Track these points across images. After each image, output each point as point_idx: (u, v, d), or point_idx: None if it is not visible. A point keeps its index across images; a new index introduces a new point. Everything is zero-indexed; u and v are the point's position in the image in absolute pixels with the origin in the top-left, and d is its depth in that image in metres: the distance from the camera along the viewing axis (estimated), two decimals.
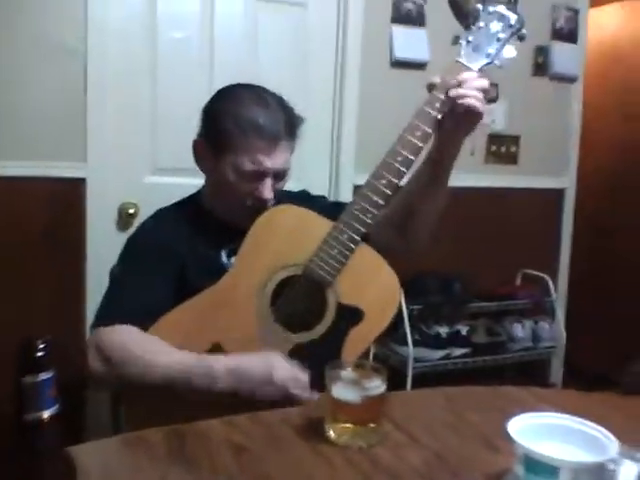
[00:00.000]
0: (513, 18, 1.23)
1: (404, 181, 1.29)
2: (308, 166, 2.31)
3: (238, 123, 1.28)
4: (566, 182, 3.01)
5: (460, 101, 1.17)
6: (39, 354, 0.56)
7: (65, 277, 2.16)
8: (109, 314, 1.24)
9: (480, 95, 1.18)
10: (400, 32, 2.55)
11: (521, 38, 1.26)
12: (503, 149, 2.85)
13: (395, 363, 2.44)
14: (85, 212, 2.17)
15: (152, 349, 1.18)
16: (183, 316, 1.22)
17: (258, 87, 1.36)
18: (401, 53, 2.56)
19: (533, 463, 0.75)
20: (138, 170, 2.26)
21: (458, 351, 2.54)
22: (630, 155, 3.41)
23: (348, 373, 1.00)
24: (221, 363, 1.15)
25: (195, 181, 2.19)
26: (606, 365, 2.77)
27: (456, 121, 1.21)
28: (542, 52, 2.83)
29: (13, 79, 2.02)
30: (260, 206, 1.31)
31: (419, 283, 2.48)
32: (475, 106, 1.18)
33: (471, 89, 1.18)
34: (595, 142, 3.35)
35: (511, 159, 2.89)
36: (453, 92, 1.18)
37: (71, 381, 1.96)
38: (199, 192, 1.45)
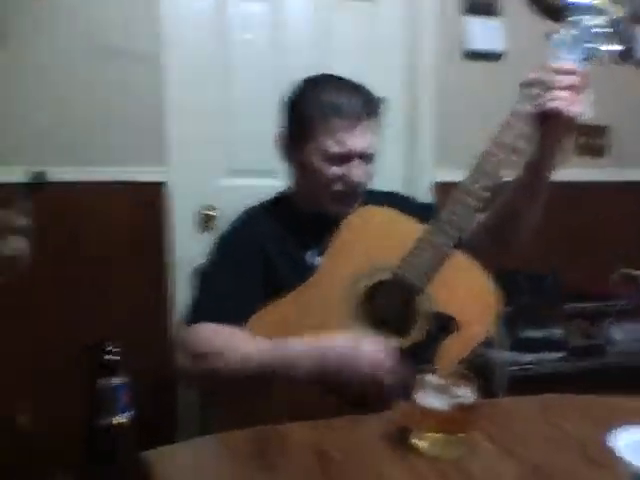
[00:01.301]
0: (614, 11, 1.15)
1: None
2: (383, 162, 2.27)
3: (318, 107, 1.27)
4: None
5: (547, 104, 1.11)
6: (113, 357, 0.54)
7: (148, 280, 2.20)
8: (198, 312, 1.24)
9: (568, 94, 1.10)
10: (474, 23, 2.45)
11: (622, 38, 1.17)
12: (591, 141, 2.70)
13: (479, 369, 2.34)
14: (166, 215, 2.20)
15: (237, 342, 1.16)
16: (272, 317, 1.20)
17: (333, 75, 1.35)
18: (476, 44, 2.46)
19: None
20: (214, 172, 2.28)
21: (552, 355, 2.41)
22: None
23: (436, 379, 0.95)
24: (304, 341, 1.12)
25: (270, 182, 2.21)
26: None
27: (547, 122, 1.14)
28: (628, 39, 2.65)
29: (93, 87, 2.08)
30: (352, 191, 1.29)
31: (508, 282, 2.36)
32: (559, 109, 1.10)
33: (560, 89, 1.10)
34: None
35: (599, 151, 2.73)
36: (539, 93, 1.12)
37: (156, 386, 2.04)
38: (286, 191, 1.44)
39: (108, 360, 0.54)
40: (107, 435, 0.54)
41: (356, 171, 1.27)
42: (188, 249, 2.21)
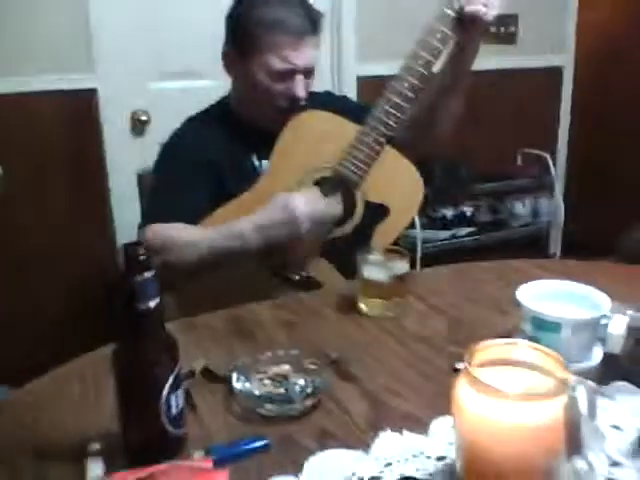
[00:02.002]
0: None
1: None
2: None
3: (263, 23, 1.32)
4: (564, 60, 3.04)
5: (466, 8, 1.25)
6: (143, 257, 0.69)
7: (88, 186, 2.27)
8: (150, 217, 1.34)
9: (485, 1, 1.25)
10: None
11: None
12: (502, 29, 2.86)
13: (405, 245, 2.61)
14: (98, 122, 2.24)
15: (187, 231, 1.29)
16: (223, 218, 1.32)
17: None
18: None
19: (539, 322, 0.91)
20: (145, 76, 2.31)
21: (463, 230, 2.70)
22: (632, 29, 3.39)
23: (376, 256, 1.15)
24: (242, 223, 1.25)
25: (199, 83, 2.28)
26: (606, 237, 2.95)
27: (469, 23, 1.28)
28: None
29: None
30: (294, 106, 1.38)
31: (424, 169, 2.59)
32: (477, 11, 1.25)
33: None
34: (593, 18, 3.33)
35: (510, 39, 2.90)
36: (460, 3, 1.26)
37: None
38: (226, 99, 1.51)
39: (143, 258, 0.69)
40: (147, 315, 0.70)
41: (299, 87, 1.36)
42: (122, 154, 2.28)
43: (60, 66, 2.13)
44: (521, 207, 2.87)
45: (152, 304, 0.70)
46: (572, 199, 3.15)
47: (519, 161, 3.00)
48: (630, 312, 0.91)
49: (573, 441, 0.60)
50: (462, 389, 0.63)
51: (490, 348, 0.68)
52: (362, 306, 1.15)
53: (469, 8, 1.26)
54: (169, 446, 0.74)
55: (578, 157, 3.23)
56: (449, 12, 1.28)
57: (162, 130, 2.05)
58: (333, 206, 1.29)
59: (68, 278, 2.28)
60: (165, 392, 0.71)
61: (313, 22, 1.36)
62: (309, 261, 1.35)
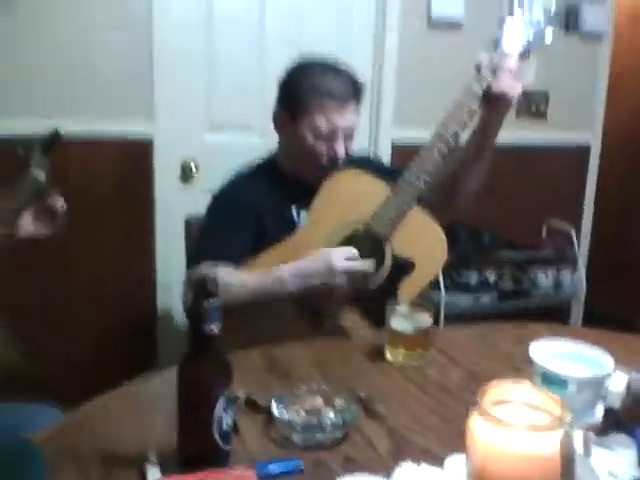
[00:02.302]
0: (553, 7, 1.44)
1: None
2: None
3: (313, 89, 1.50)
4: (591, 138, 3.17)
5: (493, 87, 1.40)
6: (210, 286, 0.83)
7: (135, 228, 2.43)
8: (201, 257, 1.47)
9: (510, 81, 1.41)
10: None
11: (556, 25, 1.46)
12: (533, 106, 3.01)
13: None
14: (152, 168, 2.42)
15: (236, 274, 1.42)
16: (264, 263, 1.47)
17: (326, 59, 1.58)
18: (438, 12, 2.71)
19: (548, 377, 1.01)
20: (197, 127, 2.50)
21: (486, 296, 2.79)
22: None
23: (403, 309, 1.27)
24: (284, 269, 1.39)
25: (248, 137, 2.46)
26: (626, 313, 3.01)
27: (493, 102, 1.43)
28: (572, 10, 2.94)
29: (85, 44, 2.26)
30: (334, 164, 1.53)
31: (450, 234, 2.71)
32: (504, 91, 1.40)
33: (503, 74, 1.40)
34: (623, 100, 3.50)
35: (540, 115, 3.04)
36: (485, 81, 1.41)
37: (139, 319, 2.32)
38: (274, 156, 1.67)
39: (210, 288, 0.82)
40: (211, 338, 0.83)
41: (340, 147, 1.52)
42: (171, 200, 2.46)
43: (121, 113, 2.32)
44: (544, 278, 2.96)
45: (215, 328, 0.83)
46: (595, 274, 3.23)
47: (544, 233, 3.11)
48: (631, 373, 1.01)
49: (568, 473, 0.70)
50: (475, 421, 0.74)
51: (500, 388, 0.79)
52: (388, 354, 1.26)
53: (496, 88, 1.41)
54: (218, 458, 0.86)
55: (602, 233, 3.33)
56: (477, 89, 1.43)
57: (210, 180, 2.24)
58: (367, 265, 1.41)
59: (111, 314, 2.43)
60: (218, 409, 0.83)
61: (356, 90, 1.54)
62: (340, 310, 1.47)
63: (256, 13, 2.50)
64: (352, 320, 1.48)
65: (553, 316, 3.08)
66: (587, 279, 3.11)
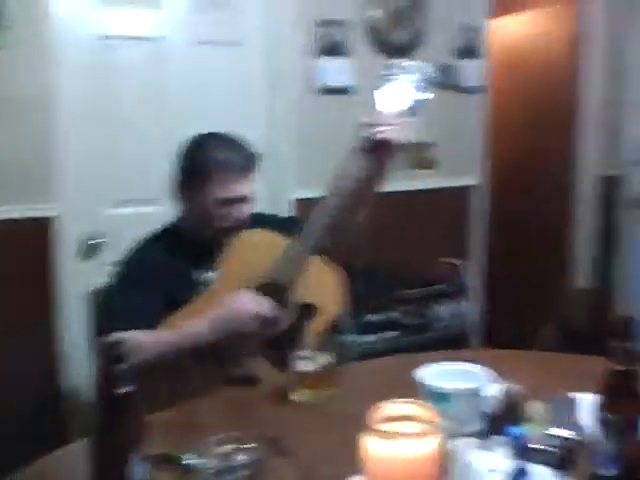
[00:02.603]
0: (428, 69, 1.63)
1: None
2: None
3: (213, 161, 1.62)
4: (474, 180, 3.44)
5: (376, 138, 1.55)
6: (120, 351, 0.89)
7: (36, 309, 2.41)
8: (108, 325, 1.49)
9: (388, 129, 1.55)
10: (326, 62, 2.91)
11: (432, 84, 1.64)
12: (420, 155, 3.24)
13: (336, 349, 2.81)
14: (52, 245, 2.41)
15: (142, 338, 1.47)
16: (176, 324, 1.53)
17: (221, 133, 1.70)
18: (328, 81, 2.92)
19: (432, 394, 1.13)
20: (101, 203, 2.54)
21: (389, 334, 2.94)
22: (538, 154, 3.91)
23: (305, 351, 1.36)
24: (195, 322, 1.48)
25: (152, 209, 2.51)
26: (526, 331, 3.24)
27: (377, 151, 1.58)
28: (448, 70, 3.22)
29: None
30: (235, 227, 1.64)
31: (350, 277, 2.82)
32: (385, 138, 1.55)
33: (383, 128, 1.55)
34: (504, 143, 3.85)
35: (427, 163, 3.29)
36: (365, 133, 1.56)
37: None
38: (175, 221, 1.76)
39: (120, 352, 0.89)
40: (122, 400, 0.89)
41: (239, 212, 1.64)
42: (74, 277, 2.45)
43: (20, 196, 2.33)
44: (442, 311, 3.15)
45: (126, 390, 0.89)
46: (490, 302, 3.47)
47: (439, 268, 3.31)
48: (507, 384, 1.15)
49: (445, 472, 0.81)
50: (365, 438, 0.84)
51: (386, 407, 0.89)
52: (293, 394, 1.34)
53: (377, 137, 1.56)
54: None
55: (492, 264, 3.59)
56: (359, 146, 1.57)
57: (113, 254, 2.24)
58: (269, 306, 1.52)
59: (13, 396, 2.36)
60: (134, 466, 0.88)
61: (251, 161, 1.67)
62: (249, 359, 1.54)
63: (157, 92, 2.60)
64: (260, 369, 1.55)
65: (456, 345, 3.26)
66: (489, 308, 3.34)
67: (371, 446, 0.83)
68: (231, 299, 1.50)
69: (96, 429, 0.90)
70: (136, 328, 1.48)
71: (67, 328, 2.44)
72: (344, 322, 2.71)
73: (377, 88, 1.63)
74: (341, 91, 2.96)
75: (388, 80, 1.63)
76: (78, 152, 2.45)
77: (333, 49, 2.94)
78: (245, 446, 1.08)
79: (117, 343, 0.88)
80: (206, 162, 1.63)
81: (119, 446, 0.88)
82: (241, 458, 1.06)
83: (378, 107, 1.61)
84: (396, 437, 0.80)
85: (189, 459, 1.04)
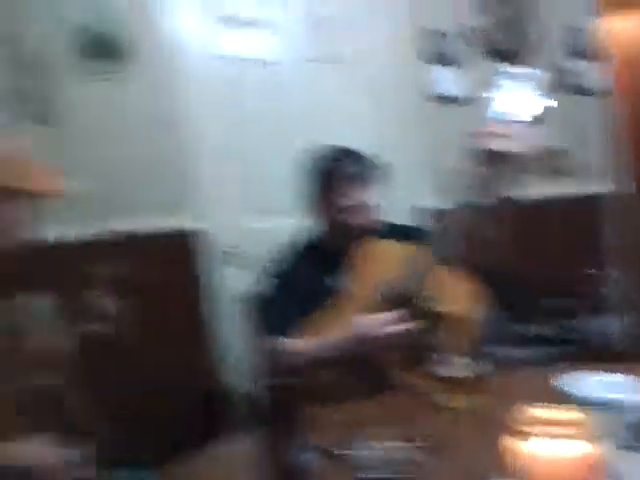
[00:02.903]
0: (544, 74, 1.58)
1: None
2: None
3: (338, 173, 1.76)
4: (606, 186, 3.31)
5: (492, 149, 1.53)
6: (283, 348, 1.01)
7: (187, 313, 2.64)
8: (261, 329, 1.68)
9: (502, 140, 1.52)
10: (440, 72, 2.98)
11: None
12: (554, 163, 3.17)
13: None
14: (197, 255, 2.65)
15: (297, 344, 1.54)
16: (313, 330, 1.62)
17: (342, 146, 1.83)
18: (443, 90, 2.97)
19: (578, 402, 1.14)
20: (239, 215, 2.75)
21: (534, 346, 2.89)
22: None
23: (454, 358, 1.43)
24: (339, 336, 1.58)
25: (284, 221, 2.66)
26: None
27: (493, 160, 1.54)
28: (563, 73, 3.16)
29: (127, 152, 2.51)
30: (361, 234, 1.74)
31: (495, 289, 2.82)
32: (501, 152, 1.52)
33: (500, 137, 1.53)
34: None
35: (561, 170, 3.22)
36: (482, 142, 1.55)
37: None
38: (310, 232, 1.89)
39: (285, 349, 1.01)
40: (290, 393, 1.02)
41: (362, 218, 1.75)
42: (220, 285, 2.67)
43: (165, 210, 2.58)
44: (587, 323, 3.05)
45: (292, 385, 1.02)
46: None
47: (587, 280, 3.19)
48: None
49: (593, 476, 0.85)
50: (510, 440, 0.90)
51: (536, 410, 0.94)
52: (440, 400, 1.41)
53: (493, 148, 1.54)
54: None
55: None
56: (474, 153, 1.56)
57: (252, 262, 2.34)
58: (400, 328, 1.56)
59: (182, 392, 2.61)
60: (301, 456, 1.01)
61: (375, 171, 1.78)
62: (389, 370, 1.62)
63: (278, 108, 2.77)
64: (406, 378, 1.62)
65: (603, 358, 3.13)
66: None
67: (526, 447, 0.89)
68: (356, 325, 1.57)
69: (266, 418, 1.03)
70: (284, 331, 1.60)
71: (222, 331, 2.67)
72: (486, 332, 2.74)
73: (491, 96, 1.60)
74: (453, 100, 2.99)
75: (503, 87, 1.60)
76: (213, 167, 2.68)
77: (444, 58, 2.98)
78: (403, 444, 1.18)
79: (282, 343, 1.01)
80: (331, 173, 1.77)
81: (287, 434, 1.01)
82: (400, 455, 1.15)
83: (492, 115, 1.58)
84: (554, 437, 0.86)
85: (350, 452, 1.14)
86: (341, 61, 2.87)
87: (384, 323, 1.56)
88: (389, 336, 1.55)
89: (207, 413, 2.64)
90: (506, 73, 1.63)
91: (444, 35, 2.98)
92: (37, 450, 1.22)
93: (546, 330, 3.01)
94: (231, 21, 2.69)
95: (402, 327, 1.57)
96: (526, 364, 2.83)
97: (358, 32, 2.88)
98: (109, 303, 1.50)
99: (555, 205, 3.13)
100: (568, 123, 3.06)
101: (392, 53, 2.91)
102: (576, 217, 3.20)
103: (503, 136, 1.56)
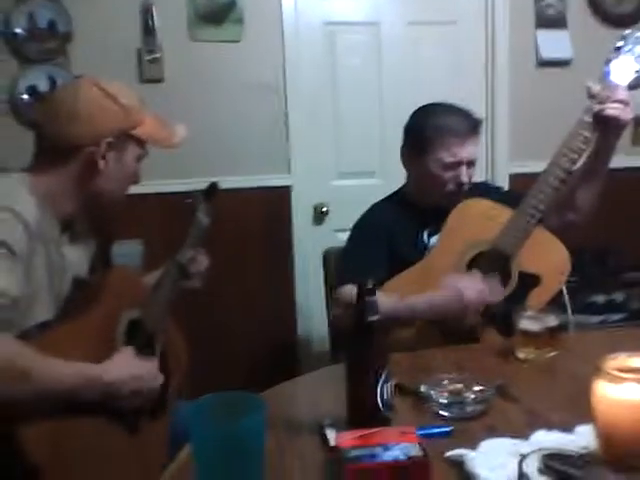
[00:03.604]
0: None
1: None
2: None
3: (436, 128, 1.72)
4: None
5: (603, 113, 1.54)
6: (372, 287, 1.05)
7: (277, 263, 2.76)
8: (344, 277, 1.71)
9: (621, 106, 1.54)
10: (544, 35, 2.88)
11: None
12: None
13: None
14: (290, 211, 2.74)
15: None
16: (403, 281, 1.68)
17: (443, 102, 1.80)
18: (547, 54, 2.88)
19: None
20: (326, 175, 2.81)
21: (615, 316, 2.82)
22: None
23: (530, 312, 1.43)
24: (418, 300, 1.60)
25: (371, 181, 2.71)
26: None
27: (605, 127, 1.57)
28: None
29: (232, 112, 2.64)
30: (459, 190, 1.73)
31: (577, 257, 2.77)
32: (614, 115, 1.54)
33: (613, 102, 1.53)
34: None
35: None
36: (596, 107, 1.55)
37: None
38: (403, 187, 1.90)
39: (371, 288, 1.05)
40: (372, 326, 1.05)
41: (464, 175, 1.72)
42: (306, 239, 2.75)
43: (264, 168, 2.68)
44: None
45: (375, 318, 1.05)
46: None
47: None
48: None
49: None
50: (597, 382, 0.91)
51: (617, 359, 0.94)
52: (518, 352, 1.42)
53: (606, 113, 1.55)
54: (382, 423, 1.06)
55: None
56: (588, 119, 1.58)
57: (339, 221, 2.50)
58: (497, 296, 1.59)
59: (260, 338, 2.74)
60: (381, 381, 1.04)
61: (474, 125, 1.74)
62: (474, 327, 1.63)
63: (375, 72, 2.79)
64: (483, 329, 1.64)
65: None
66: None
67: (601, 390, 0.89)
68: (455, 291, 1.56)
69: (351, 345, 1.07)
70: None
71: (302, 284, 2.76)
72: (567, 302, 2.69)
73: (610, 60, 1.60)
74: (561, 64, 2.90)
75: (621, 52, 1.59)
76: (309, 129, 2.72)
77: (553, 21, 2.88)
78: (474, 387, 1.20)
79: (368, 281, 1.04)
80: (429, 128, 1.73)
81: (371, 364, 1.04)
82: (470, 395, 1.17)
83: (612, 79, 1.58)
84: (630, 380, 0.85)
85: (425, 389, 1.18)
86: (450, 23, 2.83)
87: (483, 284, 1.57)
88: (486, 298, 1.56)
89: (278, 363, 2.74)
90: (629, 36, 1.59)
91: None
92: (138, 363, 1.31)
93: (626, 300, 2.93)
94: None
95: (500, 291, 1.58)
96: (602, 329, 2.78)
97: None
98: (203, 258, 1.58)
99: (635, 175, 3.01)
100: None
101: (501, 15, 2.85)
102: None
103: (622, 103, 1.55)
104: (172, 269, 1.48)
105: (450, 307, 1.56)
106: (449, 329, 1.62)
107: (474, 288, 1.56)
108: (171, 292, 1.48)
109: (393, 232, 1.78)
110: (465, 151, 1.71)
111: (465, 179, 1.73)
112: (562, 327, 1.48)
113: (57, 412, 1.17)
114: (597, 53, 2.81)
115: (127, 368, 1.26)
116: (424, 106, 1.83)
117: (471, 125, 1.74)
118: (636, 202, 2.98)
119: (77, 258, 1.46)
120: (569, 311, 2.72)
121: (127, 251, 2.47)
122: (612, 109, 1.54)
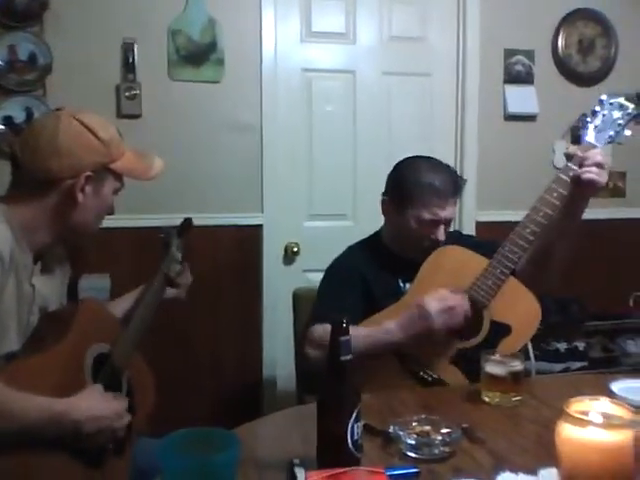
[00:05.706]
0: (631, 108, 1.63)
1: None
2: None
3: (419, 185, 1.74)
4: None
5: (582, 177, 1.58)
6: (345, 326, 1.07)
7: (246, 302, 2.76)
8: (317, 319, 1.72)
9: (597, 170, 1.57)
10: (512, 90, 3.01)
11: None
12: (611, 184, 3.16)
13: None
14: (262, 250, 2.76)
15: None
16: (371, 325, 1.67)
17: (430, 157, 1.83)
18: (514, 108, 3.00)
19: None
20: (299, 216, 2.85)
21: (576, 364, 2.88)
22: None
23: (496, 356, 1.46)
24: (390, 322, 1.61)
25: (342, 223, 2.76)
26: None
27: (582, 187, 1.61)
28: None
29: (208, 150, 2.68)
30: (433, 247, 1.75)
31: (540, 305, 2.85)
32: (593, 180, 1.57)
33: (592, 165, 1.57)
34: None
35: (619, 192, 3.20)
36: (574, 169, 1.59)
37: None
38: (378, 234, 1.92)
39: (345, 327, 1.07)
40: (345, 365, 1.07)
41: (441, 233, 1.75)
42: (277, 278, 2.76)
43: (237, 206, 2.71)
44: (633, 346, 3.01)
45: (348, 357, 1.07)
46: None
47: (631, 303, 3.18)
48: None
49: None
50: (561, 425, 0.93)
51: (582, 402, 0.97)
52: (484, 396, 1.44)
53: (585, 177, 1.57)
54: (351, 462, 1.07)
55: None
56: (566, 178, 1.61)
57: (309, 260, 2.52)
58: (458, 299, 1.60)
59: (226, 371, 2.74)
60: (352, 420, 1.06)
61: (456, 186, 1.78)
62: (439, 363, 1.66)
63: (349, 118, 2.86)
64: (451, 377, 1.63)
65: None
66: None
67: (567, 432, 0.92)
68: (417, 301, 1.59)
69: (325, 388, 1.08)
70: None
71: (270, 324, 2.76)
72: (530, 349, 2.74)
73: (587, 123, 1.65)
74: (527, 118, 3.02)
75: (597, 116, 1.64)
76: (283, 170, 2.77)
77: (521, 78, 3.01)
78: (442, 429, 1.22)
79: (342, 320, 1.06)
80: (416, 184, 1.75)
81: (344, 403, 1.06)
82: (438, 437, 1.19)
83: (588, 141, 1.63)
84: (593, 425, 0.88)
85: (394, 430, 1.19)
86: (423, 75, 2.94)
87: (444, 297, 1.59)
88: (451, 310, 1.58)
89: (242, 407, 2.72)
90: (606, 101, 1.66)
91: (523, 54, 3.01)
92: (102, 399, 1.29)
93: (588, 349, 3.00)
94: (314, 36, 2.81)
95: (463, 302, 1.59)
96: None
97: (433, 48, 2.96)
98: (189, 274, 1.66)
99: (609, 226, 3.11)
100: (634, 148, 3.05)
101: (471, 70, 2.96)
102: (629, 239, 3.17)
103: (598, 166, 1.58)
104: (158, 279, 1.55)
105: (415, 317, 1.58)
106: (409, 356, 1.64)
107: (434, 296, 1.59)
108: (151, 308, 1.53)
109: (368, 276, 1.80)
110: (445, 212, 1.74)
111: (442, 237, 1.76)
112: (525, 373, 1.51)
113: (20, 446, 1.16)
114: (562, 109, 3.02)
115: (94, 406, 1.25)
116: (411, 158, 1.85)
117: (454, 187, 1.77)
118: (598, 253, 3.08)
119: (47, 289, 1.45)
120: (532, 357, 2.78)
121: (95, 285, 2.45)
122: (589, 173, 1.57)
